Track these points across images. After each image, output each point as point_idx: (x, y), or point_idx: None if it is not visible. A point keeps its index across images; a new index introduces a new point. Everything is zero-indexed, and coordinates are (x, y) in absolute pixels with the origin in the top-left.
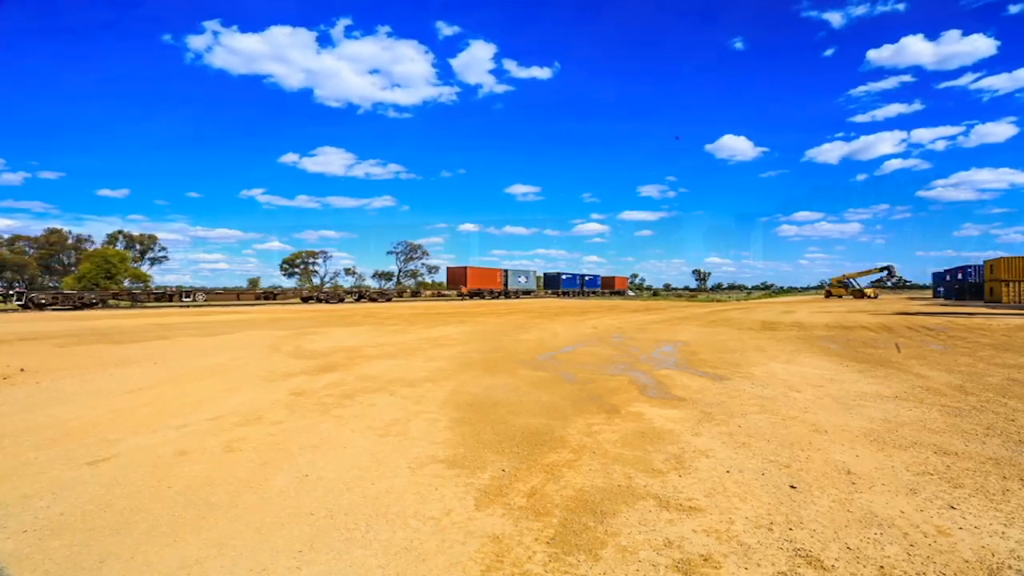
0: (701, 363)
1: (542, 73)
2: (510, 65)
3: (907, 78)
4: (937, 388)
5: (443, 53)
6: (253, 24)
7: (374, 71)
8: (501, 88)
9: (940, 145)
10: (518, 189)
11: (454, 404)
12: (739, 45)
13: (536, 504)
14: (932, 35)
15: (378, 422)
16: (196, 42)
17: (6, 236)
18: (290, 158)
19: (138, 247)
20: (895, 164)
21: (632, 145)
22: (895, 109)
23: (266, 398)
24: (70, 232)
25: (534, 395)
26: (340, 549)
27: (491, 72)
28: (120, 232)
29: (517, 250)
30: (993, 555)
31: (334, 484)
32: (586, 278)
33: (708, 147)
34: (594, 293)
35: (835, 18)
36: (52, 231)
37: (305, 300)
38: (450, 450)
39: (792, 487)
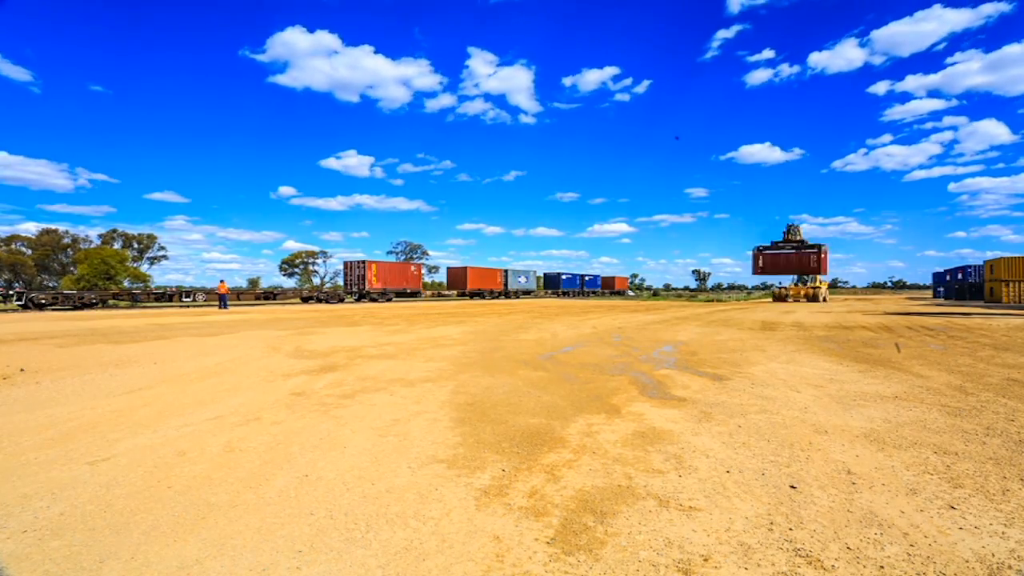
0: (701, 363)
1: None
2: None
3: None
4: (937, 388)
5: (547, 77)
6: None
7: (488, 96)
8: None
9: (968, 152)
10: (559, 195)
11: (454, 404)
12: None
13: (536, 504)
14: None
15: (378, 422)
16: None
17: (4, 236)
18: (360, 162)
19: (136, 246)
20: (921, 174)
21: (675, 152)
22: (927, 111)
23: (266, 398)
24: (67, 231)
25: (534, 395)
26: (340, 549)
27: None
28: (115, 231)
29: (531, 250)
30: (993, 555)
31: (334, 484)
32: (586, 278)
33: (740, 153)
34: (594, 293)
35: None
36: (47, 231)
37: (305, 300)
38: (450, 450)
39: (792, 487)
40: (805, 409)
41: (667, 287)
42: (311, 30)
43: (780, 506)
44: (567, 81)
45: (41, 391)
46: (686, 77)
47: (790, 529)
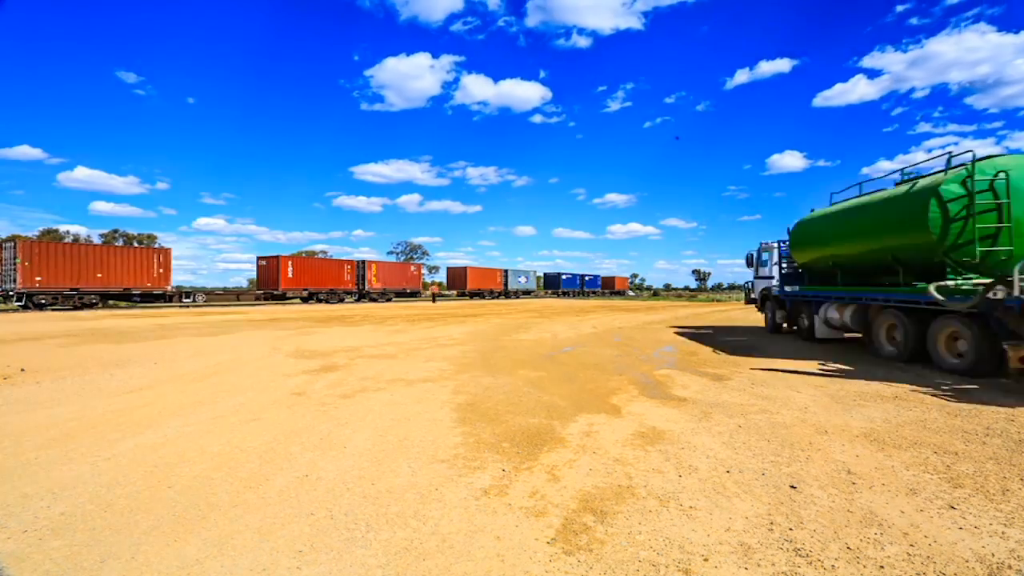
0: (701, 363)
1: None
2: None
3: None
4: (937, 388)
5: (646, 96)
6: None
7: (577, 113)
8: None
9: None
10: (605, 198)
11: (454, 404)
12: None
13: (537, 504)
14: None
15: (378, 422)
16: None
17: (4, 235)
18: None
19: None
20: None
21: (718, 159)
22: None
23: (266, 398)
24: (67, 232)
25: (534, 395)
26: (340, 549)
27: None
28: (117, 231)
29: (556, 250)
30: (993, 555)
31: (334, 484)
32: (586, 278)
33: (776, 158)
34: (594, 293)
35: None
36: (47, 231)
37: (305, 300)
38: (450, 450)
39: (792, 487)
40: (805, 409)
41: (667, 287)
42: (436, 55)
43: (780, 506)
44: (668, 99)
45: (42, 391)
46: (739, 94)
47: (790, 529)
